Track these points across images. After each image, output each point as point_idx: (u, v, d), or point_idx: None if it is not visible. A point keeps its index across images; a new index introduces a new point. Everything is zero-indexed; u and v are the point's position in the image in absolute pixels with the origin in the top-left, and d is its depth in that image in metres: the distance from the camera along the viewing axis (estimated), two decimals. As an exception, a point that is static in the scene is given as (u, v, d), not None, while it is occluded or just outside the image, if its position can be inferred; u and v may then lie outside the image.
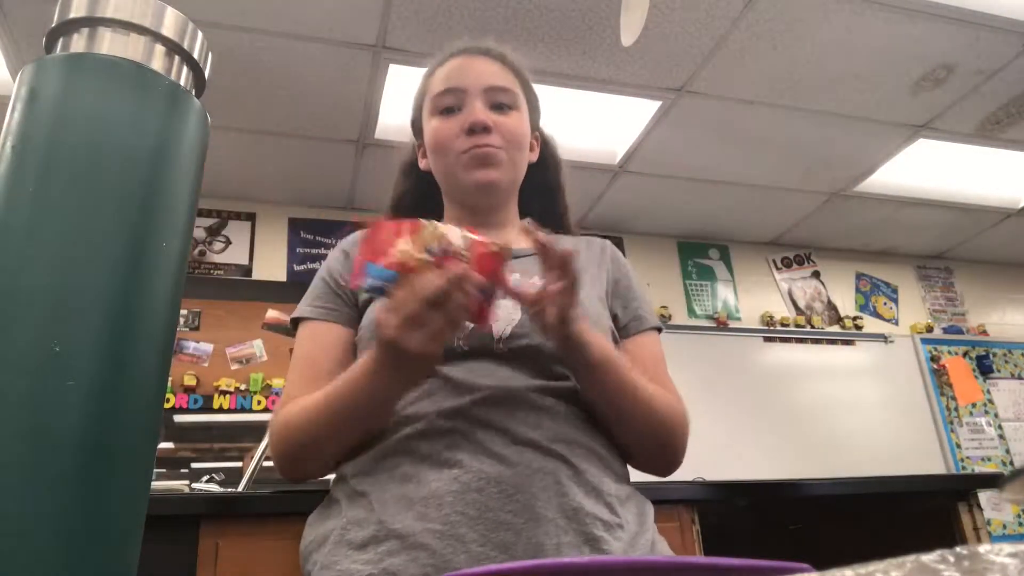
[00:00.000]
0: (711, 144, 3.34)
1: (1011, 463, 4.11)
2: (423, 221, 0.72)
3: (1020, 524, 3.92)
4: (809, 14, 2.58)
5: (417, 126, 1.09)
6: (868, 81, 2.95)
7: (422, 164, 1.07)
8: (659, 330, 1.05)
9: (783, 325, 4.17)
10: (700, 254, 4.24)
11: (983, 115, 3.22)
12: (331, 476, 0.90)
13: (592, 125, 3.17)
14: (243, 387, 3.18)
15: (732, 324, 4.08)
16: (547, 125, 1.14)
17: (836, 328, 4.27)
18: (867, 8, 2.55)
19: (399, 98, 2.88)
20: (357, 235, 1.02)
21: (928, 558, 0.19)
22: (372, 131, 3.09)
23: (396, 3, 2.43)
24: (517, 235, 1.06)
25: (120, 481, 0.27)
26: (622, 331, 1.02)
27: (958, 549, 0.19)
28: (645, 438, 0.90)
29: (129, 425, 0.28)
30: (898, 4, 2.53)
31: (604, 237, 1.13)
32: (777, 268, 4.35)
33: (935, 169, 3.64)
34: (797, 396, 3.99)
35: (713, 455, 3.08)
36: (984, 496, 1.91)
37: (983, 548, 0.19)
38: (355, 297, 0.97)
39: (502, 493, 0.76)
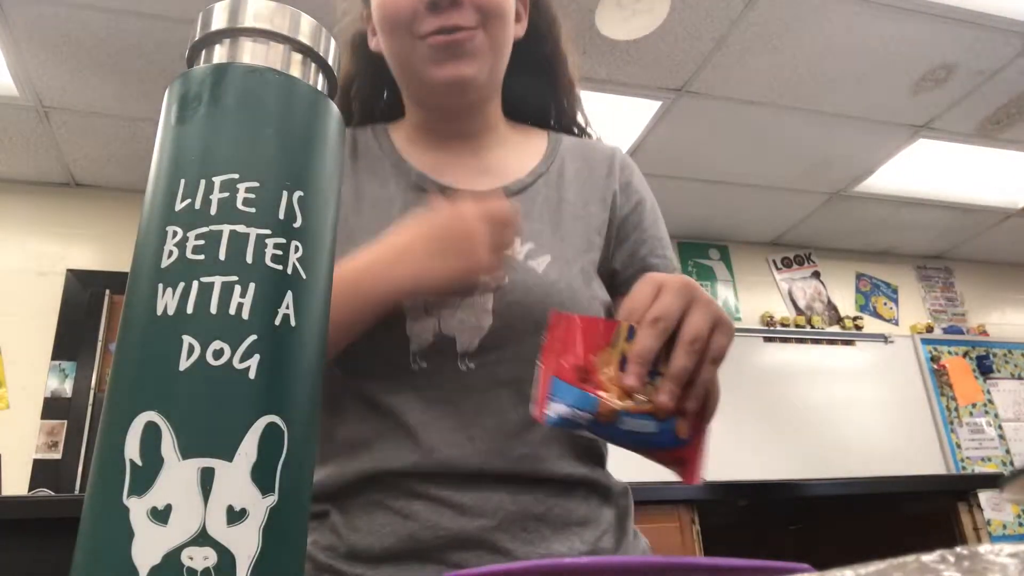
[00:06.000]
0: (711, 144, 3.34)
1: (1011, 463, 4.11)
2: (618, 323, 0.56)
3: (1020, 524, 3.91)
4: (809, 14, 2.57)
5: None
6: (868, 81, 2.94)
7: (371, 43, 0.83)
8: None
9: (783, 325, 4.16)
10: (700, 254, 4.24)
11: (983, 115, 3.22)
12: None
13: (592, 125, 3.16)
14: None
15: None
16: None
17: (836, 328, 4.26)
18: (867, 8, 2.55)
19: (399, 98, 2.88)
20: None
21: (928, 558, 0.19)
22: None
23: (396, 3, 2.43)
24: (502, 144, 0.84)
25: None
26: (622, 286, 0.81)
27: (958, 549, 0.19)
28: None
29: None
30: (898, 4, 2.53)
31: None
32: (777, 268, 4.35)
33: (935, 169, 3.64)
34: (797, 396, 3.98)
35: (713, 455, 3.06)
36: (984, 496, 1.91)
37: (983, 548, 0.19)
38: None
39: (463, 549, 0.65)
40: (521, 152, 0.84)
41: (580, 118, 0.92)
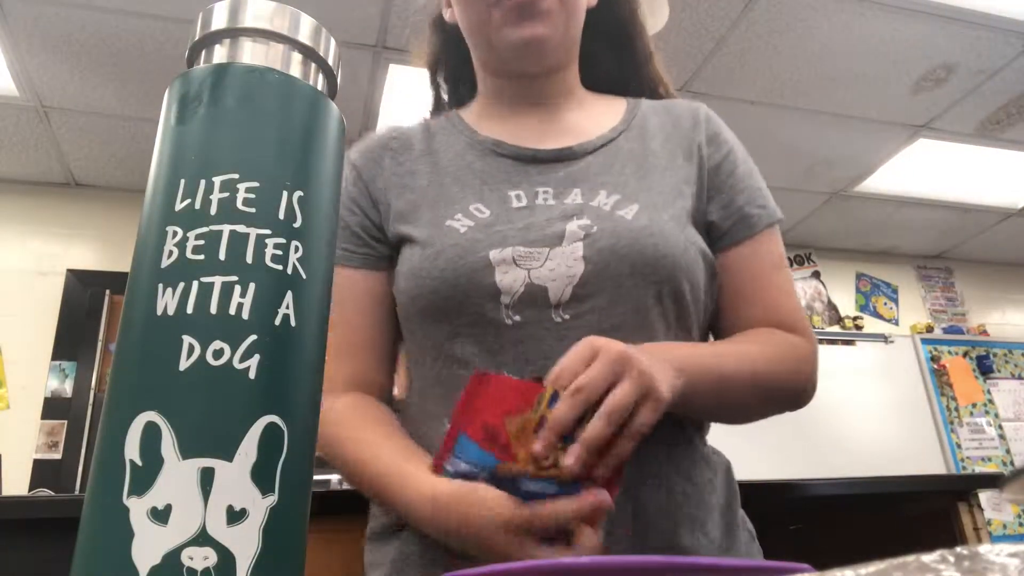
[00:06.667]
0: (711, 144, 3.34)
1: (1011, 463, 4.11)
2: (543, 385, 0.54)
3: (1020, 524, 3.91)
4: (809, 14, 2.57)
5: None
6: (868, 81, 2.94)
7: (446, 15, 0.83)
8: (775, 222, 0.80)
9: (783, 325, 4.17)
10: (700, 254, 4.25)
11: (983, 115, 3.22)
12: None
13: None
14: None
15: (732, 324, 4.08)
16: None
17: (836, 328, 4.26)
18: (867, 8, 2.55)
19: (399, 98, 2.88)
20: (369, 136, 0.82)
21: (928, 558, 0.19)
22: (372, 131, 3.09)
23: (396, 3, 2.43)
24: (580, 108, 0.83)
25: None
26: (722, 239, 0.78)
27: (958, 549, 0.19)
28: (768, 411, 0.75)
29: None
30: (898, 4, 2.53)
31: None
32: (777, 268, 4.35)
33: (935, 169, 3.64)
34: (797, 396, 3.99)
35: (713, 455, 3.07)
36: (984, 496, 1.90)
37: (983, 548, 0.19)
38: (380, 230, 0.78)
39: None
40: (601, 114, 0.83)
41: (661, 89, 0.91)
